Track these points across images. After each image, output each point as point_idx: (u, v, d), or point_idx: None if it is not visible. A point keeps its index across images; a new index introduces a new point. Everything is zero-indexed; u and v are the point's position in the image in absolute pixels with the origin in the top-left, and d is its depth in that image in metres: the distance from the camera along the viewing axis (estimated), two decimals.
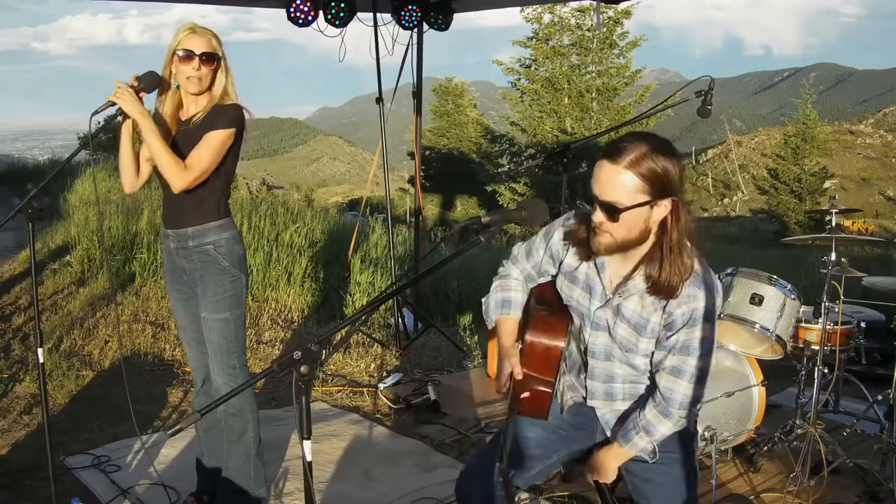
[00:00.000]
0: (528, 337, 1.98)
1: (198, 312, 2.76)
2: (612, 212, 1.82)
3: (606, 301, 1.99)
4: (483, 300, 2.23)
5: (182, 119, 2.67)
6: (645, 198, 1.81)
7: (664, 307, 1.92)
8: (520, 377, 1.96)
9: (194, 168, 2.56)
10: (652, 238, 1.90)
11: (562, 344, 1.97)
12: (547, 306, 2.09)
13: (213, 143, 2.57)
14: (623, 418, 2.09)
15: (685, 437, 2.09)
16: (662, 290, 1.89)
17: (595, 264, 2.00)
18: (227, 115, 2.61)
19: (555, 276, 2.15)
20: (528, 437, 2.13)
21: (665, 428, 1.97)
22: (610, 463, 2.06)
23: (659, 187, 1.81)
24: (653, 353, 2.00)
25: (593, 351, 2.05)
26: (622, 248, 1.89)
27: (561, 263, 2.09)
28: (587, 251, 1.96)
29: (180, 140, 2.63)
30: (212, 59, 2.57)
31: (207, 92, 2.64)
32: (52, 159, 16.82)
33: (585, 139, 5.01)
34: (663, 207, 1.84)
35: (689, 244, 1.90)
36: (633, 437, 2.00)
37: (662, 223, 1.87)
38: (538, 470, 2.18)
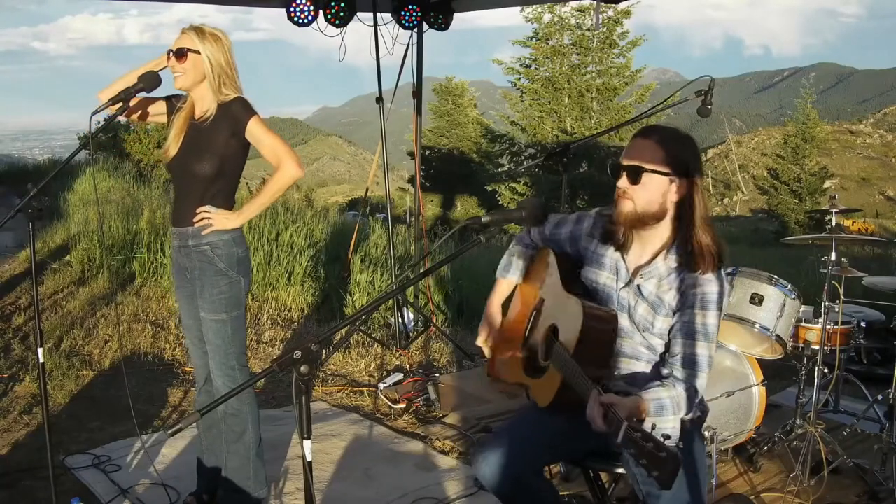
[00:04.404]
0: (584, 322, 2.04)
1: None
2: (636, 173, 2.00)
3: (629, 282, 2.12)
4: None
5: (194, 117, 2.70)
6: (666, 169, 1.99)
7: (678, 287, 2.03)
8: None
9: (280, 153, 2.67)
10: (669, 223, 2.06)
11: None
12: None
13: (263, 133, 2.65)
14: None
15: (690, 428, 2.07)
16: (693, 259, 2.00)
17: (620, 251, 2.14)
18: (238, 108, 2.65)
19: (579, 269, 2.27)
20: (540, 428, 2.16)
21: (672, 417, 1.96)
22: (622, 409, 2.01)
23: (679, 166, 2.00)
24: (668, 338, 2.06)
25: (620, 329, 2.14)
26: (641, 219, 2.03)
27: (579, 249, 2.25)
28: (615, 234, 2.11)
29: (191, 137, 2.67)
30: (181, 53, 2.59)
31: (205, 87, 2.65)
32: (52, 159, 16.78)
33: (585, 139, 5.01)
34: (681, 187, 2.01)
35: (712, 230, 2.03)
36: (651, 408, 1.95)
37: (680, 206, 2.03)
38: (545, 460, 2.24)
